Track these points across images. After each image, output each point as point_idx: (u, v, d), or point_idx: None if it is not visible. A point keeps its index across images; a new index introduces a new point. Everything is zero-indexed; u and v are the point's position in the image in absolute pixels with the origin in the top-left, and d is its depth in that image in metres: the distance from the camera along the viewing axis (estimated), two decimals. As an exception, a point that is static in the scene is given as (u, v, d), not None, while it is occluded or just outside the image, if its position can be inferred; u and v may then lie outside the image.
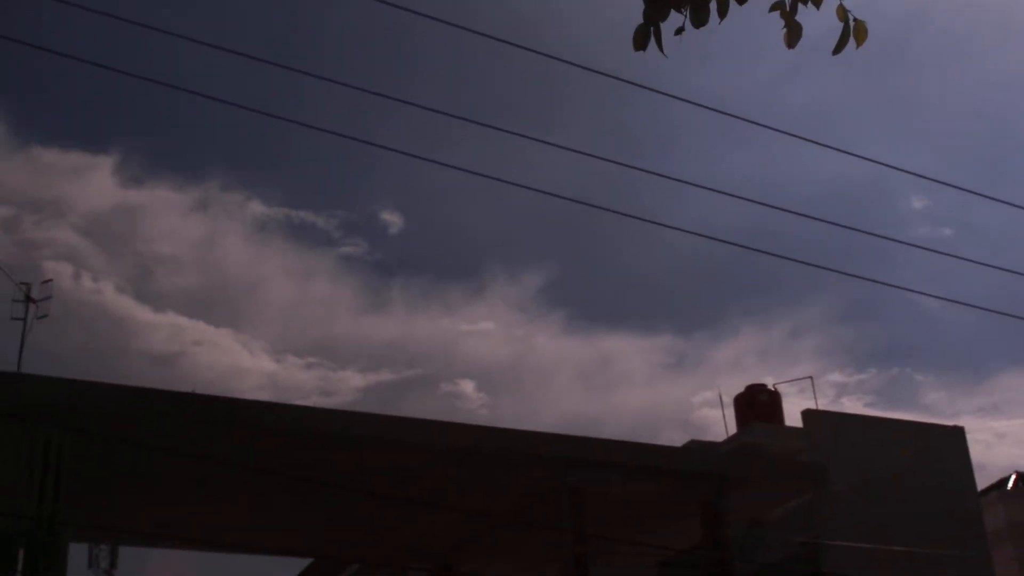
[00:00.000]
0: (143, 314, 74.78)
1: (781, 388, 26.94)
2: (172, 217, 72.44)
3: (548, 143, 13.03)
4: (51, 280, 19.38)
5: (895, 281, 12.70)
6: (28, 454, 14.08)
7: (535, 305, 77.24)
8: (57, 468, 14.08)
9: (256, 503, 17.43)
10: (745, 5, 4.84)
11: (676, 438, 32.06)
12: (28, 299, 18.74)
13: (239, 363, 76.18)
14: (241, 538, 18.32)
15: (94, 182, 70.71)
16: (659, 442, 18.36)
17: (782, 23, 4.92)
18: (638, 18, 4.83)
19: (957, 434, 22.94)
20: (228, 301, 76.83)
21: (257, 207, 74.09)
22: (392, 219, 75.77)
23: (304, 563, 27.88)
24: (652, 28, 4.83)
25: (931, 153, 61.85)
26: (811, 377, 32.01)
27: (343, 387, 75.35)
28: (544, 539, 16.95)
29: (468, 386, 75.16)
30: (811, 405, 25.78)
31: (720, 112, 13.19)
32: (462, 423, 16.55)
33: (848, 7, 4.93)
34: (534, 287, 75.98)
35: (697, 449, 21.91)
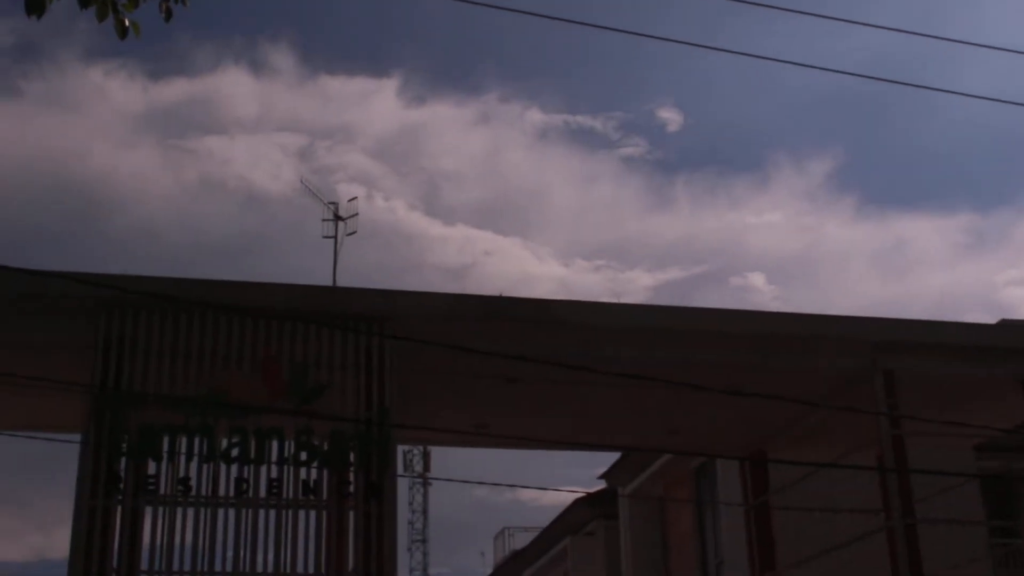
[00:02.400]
0: (434, 228, 77.33)
1: (1097, 259, 25.48)
2: (455, 132, 74.27)
3: (826, 16, 12.58)
4: (356, 198, 20.42)
5: None
6: (353, 362, 14.92)
7: (823, 192, 75.14)
8: (380, 373, 14.90)
9: (564, 401, 17.87)
10: None
11: (981, 319, 30.70)
12: (337, 217, 19.82)
13: (528, 269, 77.86)
14: (549, 435, 18.83)
15: (379, 105, 73.17)
16: (963, 325, 17.63)
17: None
18: None
19: None
20: (514, 210, 78.47)
21: (536, 115, 74.91)
22: (670, 116, 75.03)
23: (612, 457, 28.49)
24: None
25: None
26: None
27: (632, 287, 75.86)
28: (857, 423, 16.72)
29: (758, 279, 74.26)
30: None
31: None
32: (770, 311, 16.49)
33: None
34: (821, 174, 73.86)
35: (1013, 326, 21.04)
